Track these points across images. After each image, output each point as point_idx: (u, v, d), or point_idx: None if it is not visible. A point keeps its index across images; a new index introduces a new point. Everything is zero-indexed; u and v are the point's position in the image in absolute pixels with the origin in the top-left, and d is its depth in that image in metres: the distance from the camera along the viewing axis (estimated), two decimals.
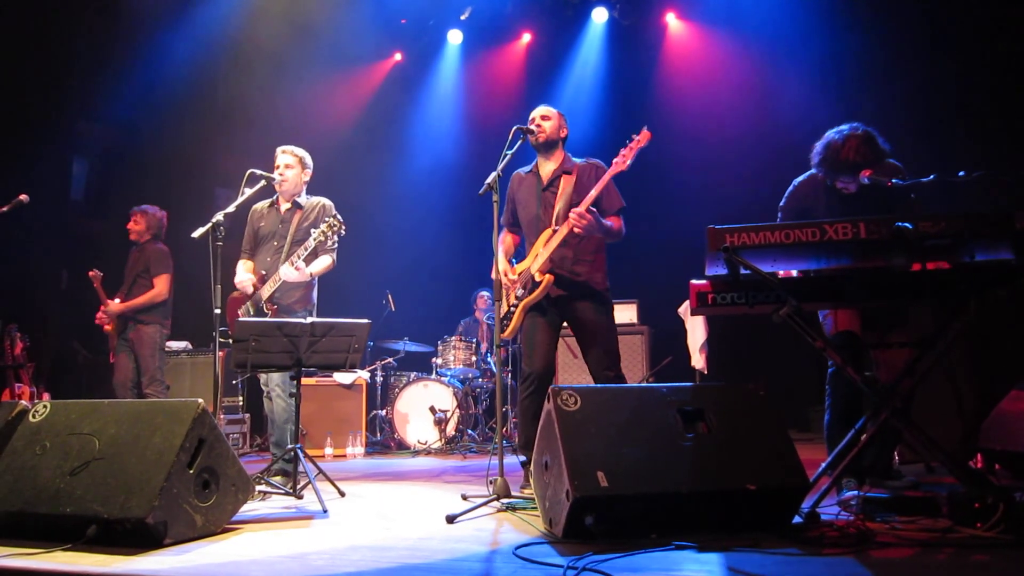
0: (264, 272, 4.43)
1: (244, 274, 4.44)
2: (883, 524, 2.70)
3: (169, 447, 2.75)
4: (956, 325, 2.83)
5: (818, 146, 3.44)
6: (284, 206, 4.54)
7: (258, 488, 3.71)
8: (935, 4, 6.54)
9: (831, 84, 7.01)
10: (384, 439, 7.09)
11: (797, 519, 2.70)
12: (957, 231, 2.59)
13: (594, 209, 3.68)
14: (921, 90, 6.42)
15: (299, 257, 4.21)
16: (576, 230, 3.68)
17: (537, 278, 3.84)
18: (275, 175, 4.41)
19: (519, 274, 3.95)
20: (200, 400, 2.90)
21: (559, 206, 3.86)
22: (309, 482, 3.60)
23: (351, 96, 9.10)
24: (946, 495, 2.72)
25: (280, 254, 4.39)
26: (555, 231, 3.81)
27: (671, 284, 4.74)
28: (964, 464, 3.42)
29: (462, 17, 8.74)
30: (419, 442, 6.66)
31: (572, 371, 6.58)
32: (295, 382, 3.87)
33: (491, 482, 3.47)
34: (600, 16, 8.55)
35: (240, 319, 3.80)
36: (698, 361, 5.99)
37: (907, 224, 2.58)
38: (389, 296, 7.48)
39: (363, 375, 6.83)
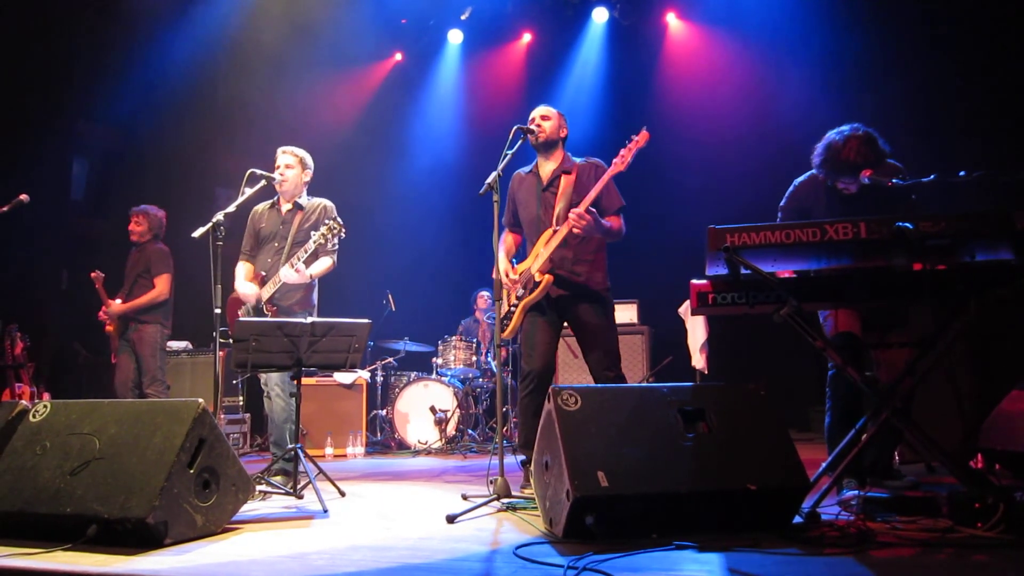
0: (264, 273, 4.43)
1: (244, 283, 4.42)
2: (883, 524, 2.70)
3: (169, 447, 2.75)
4: (956, 325, 2.83)
5: (819, 147, 3.45)
6: (285, 207, 4.53)
7: (258, 488, 3.71)
8: (935, 4, 6.54)
9: (831, 84, 7.01)
10: (384, 439, 7.09)
11: (797, 519, 2.70)
12: (957, 231, 2.59)
13: (593, 210, 3.68)
14: (921, 90, 6.42)
15: (299, 259, 4.21)
16: (575, 230, 3.68)
17: (537, 278, 3.84)
18: (275, 175, 4.41)
19: (520, 274, 3.95)
20: (200, 400, 2.90)
21: (559, 206, 3.86)
22: (309, 482, 3.60)
23: (351, 96, 9.10)
24: (946, 495, 2.72)
25: (281, 255, 4.39)
26: (555, 231, 3.81)
27: (671, 284, 4.74)
28: (964, 464, 3.42)
29: (462, 17, 8.74)
30: (419, 442, 6.66)
31: (572, 371, 6.58)
32: (295, 382, 3.87)
33: (491, 482, 3.47)
34: (600, 16, 8.55)
35: (240, 319, 3.80)
36: (698, 361, 5.99)
37: (907, 224, 2.58)
38: (389, 296, 7.48)
39: (363, 375, 6.83)
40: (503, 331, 4.02)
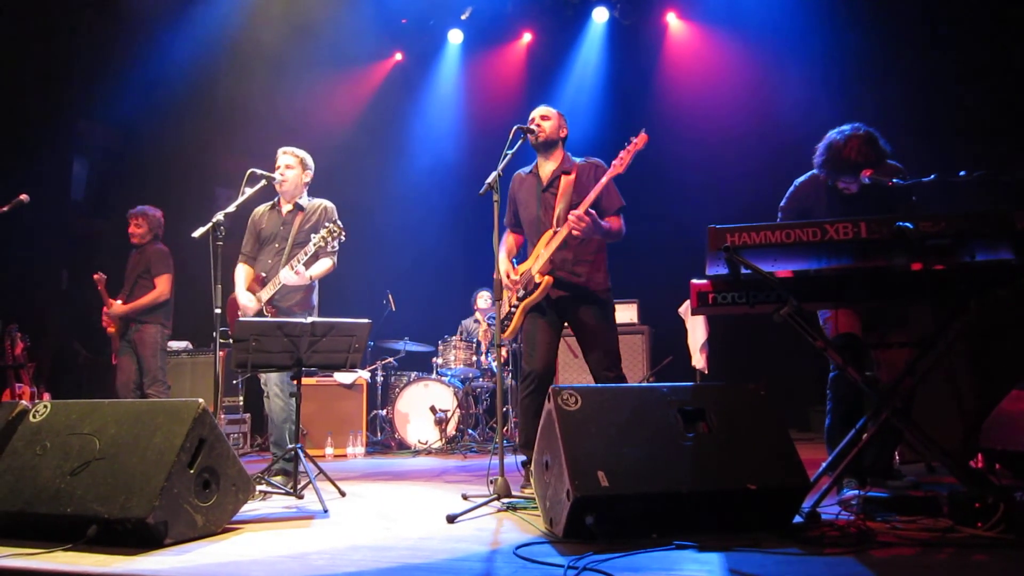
0: (264, 274, 4.43)
1: (245, 295, 4.41)
2: (884, 524, 2.70)
3: (170, 447, 2.75)
4: (956, 325, 2.83)
5: (820, 146, 3.45)
6: (285, 208, 4.53)
7: (259, 488, 3.71)
8: (935, 3, 6.54)
9: (831, 83, 7.01)
10: (385, 439, 7.09)
11: (798, 519, 2.70)
12: (957, 231, 2.59)
13: (592, 211, 3.68)
14: (921, 90, 6.43)
15: (299, 261, 4.21)
16: (575, 232, 3.68)
17: (537, 279, 3.84)
18: (275, 175, 4.41)
19: (520, 275, 3.95)
20: (200, 400, 2.90)
21: (559, 207, 3.86)
22: (309, 482, 3.60)
23: (351, 96, 9.10)
24: (947, 495, 2.72)
25: (281, 256, 4.39)
26: (555, 232, 3.81)
27: (672, 284, 4.75)
28: (965, 464, 3.42)
29: (463, 17, 8.74)
30: (420, 442, 6.66)
31: (572, 371, 6.58)
32: (295, 382, 3.87)
33: (492, 482, 3.47)
34: (601, 16, 8.56)
35: (240, 319, 3.80)
36: (699, 361, 5.99)
37: (908, 224, 2.58)
38: (389, 296, 7.48)
39: (364, 375, 6.83)
40: (504, 332, 4.02)
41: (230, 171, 6.85)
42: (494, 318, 4.02)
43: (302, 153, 4.57)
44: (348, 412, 6.61)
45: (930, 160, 3.67)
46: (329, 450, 6.27)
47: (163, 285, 5.61)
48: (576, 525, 2.54)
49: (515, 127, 3.86)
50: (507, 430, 6.45)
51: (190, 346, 7.08)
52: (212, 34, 7.89)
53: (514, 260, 4.15)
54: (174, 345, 6.65)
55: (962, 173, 2.91)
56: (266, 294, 4.32)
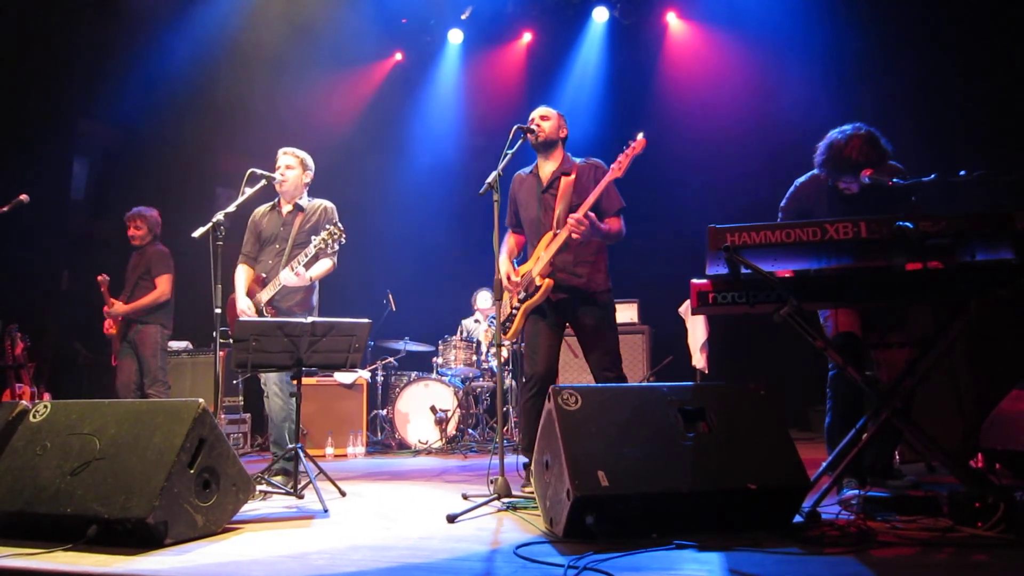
0: (265, 275, 4.43)
1: (244, 299, 4.40)
2: (884, 523, 2.70)
3: (170, 447, 2.75)
4: (956, 325, 2.83)
5: (821, 146, 3.45)
6: (285, 208, 4.53)
7: (259, 488, 3.71)
8: (936, 3, 6.53)
9: (832, 83, 7.01)
10: (385, 439, 7.09)
11: (798, 518, 2.70)
12: (957, 231, 2.59)
13: (592, 215, 3.68)
14: (921, 89, 6.42)
15: (299, 263, 4.21)
16: (574, 236, 3.69)
17: (538, 282, 3.85)
18: (275, 175, 4.41)
19: (521, 276, 3.95)
20: (201, 400, 2.90)
21: (559, 209, 3.86)
22: (310, 482, 3.60)
23: (352, 96, 9.10)
24: (947, 495, 2.72)
25: (281, 257, 4.39)
26: (555, 235, 3.81)
27: (672, 283, 4.74)
28: (965, 464, 3.42)
29: (463, 16, 8.74)
30: (420, 442, 6.66)
31: (573, 371, 6.58)
32: (295, 382, 3.86)
33: (492, 481, 3.48)
34: (601, 16, 8.56)
35: (240, 319, 3.80)
36: (699, 361, 5.99)
37: (908, 224, 2.58)
38: (390, 296, 7.48)
39: (364, 375, 6.83)
40: (505, 333, 4.02)
41: (230, 171, 6.85)
42: (495, 318, 4.02)
43: (302, 153, 4.57)
44: (348, 412, 6.61)
45: (930, 160, 3.66)
46: (329, 450, 6.27)
47: (164, 285, 5.61)
48: (576, 525, 2.54)
49: (515, 127, 3.86)
50: (507, 430, 6.45)
51: (190, 346, 7.08)
52: (212, 34, 7.89)
53: (515, 262, 4.15)
54: (174, 345, 6.65)
55: (962, 173, 2.91)
56: (266, 295, 4.33)
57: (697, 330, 6.03)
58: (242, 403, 6.96)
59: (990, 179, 2.84)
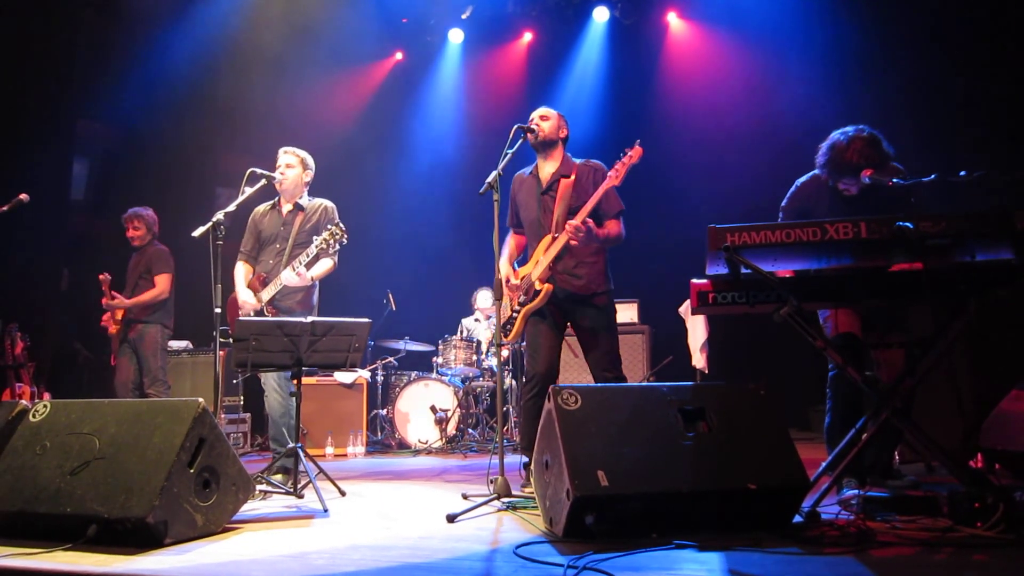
0: (265, 275, 4.44)
1: (245, 292, 4.42)
2: (883, 523, 2.70)
3: (169, 446, 2.75)
4: (956, 325, 2.83)
5: (823, 146, 3.45)
6: (286, 208, 4.53)
7: (259, 487, 3.71)
8: (936, 3, 6.53)
9: (832, 83, 7.01)
10: (385, 438, 7.09)
11: (797, 518, 2.70)
12: (957, 231, 2.59)
13: (590, 221, 3.69)
14: (921, 89, 6.42)
15: (300, 263, 4.21)
16: (572, 242, 3.69)
17: (537, 286, 3.85)
18: (276, 174, 4.41)
19: (521, 279, 3.96)
20: (200, 399, 2.90)
21: (558, 211, 3.86)
22: (310, 481, 3.60)
23: (352, 95, 9.10)
24: (946, 495, 2.72)
25: (282, 257, 4.39)
26: (555, 238, 3.82)
27: (672, 283, 4.74)
28: (964, 464, 3.42)
29: (463, 16, 8.74)
30: (420, 441, 6.66)
31: (573, 371, 6.58)
32: (295, 382, 3.86)
33: (492, 481, 3.48)
34: (601, 15, 8.56)
35: (240, 318, 3.80)
36: (699, 361, 5.99)
37: (908, 224, 2.58)
38: (390, 295, 7.48)
39: (364, 374, 6.83)
40: (506, 336, 4.02)
41: (230, 171, 6.85)
42: (494, 318, 4.03)
43: (303, 153, 4.57)
44: (348, 411, 6.60)
45: (930, 160, 3.67)
46: (329, 449, 6.27)
47: (163, 284, 5.62)
48: (576, 524, 2.54)
49: (515, 126, 3.86)
50: (507, 430, 6.45)
51: (190, 346, 7.08)
52: (212, 34, 7.89)
53: (515, 264, 4.15)
54: (174, 345, 6.65)
55: (962, 173, 2.91)
56: (267, 294, 4.33)
57: (697, 330, 6.03)
58: (242, 403, 6.96)
59: (990, 179, 2.84)
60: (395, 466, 5.58)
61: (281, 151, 4.55)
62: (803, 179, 3.66)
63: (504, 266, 4.04)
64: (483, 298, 7.45)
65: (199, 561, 2.48)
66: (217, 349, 3.93)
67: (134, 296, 5.62)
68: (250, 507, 3.40)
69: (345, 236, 4.20)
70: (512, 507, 3.27)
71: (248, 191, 4.20)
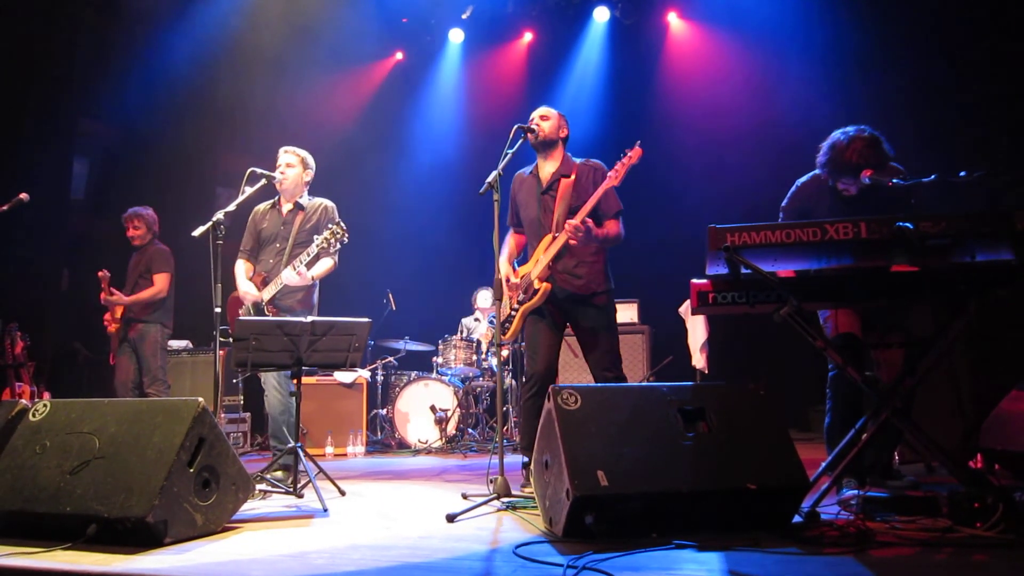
0: (266, 274, 4.44)
1: (246, 283, 4.43)
2: (883, 524, 2.70)
3: (169, 446, 2.75)
4: (956, 325, 2.83)
5: (823, 146, 3.45)
6: (286, 207, 4.53)
7: (258, 487, 3.71)
8: (936, 3, 6.53)
9: (832, 83, 7.01)
10: (385, 438, 7.09)
11: (797, 518, 2.70)
12: (957, 231, 2.59)
13: (589, 221, 3.69)
14: (921, 89, 6.42)
15: (301, 262, 4.21)
16: (571, 242, 3.70)
17: (536, 285, 3.85)
18: (276, 174, 4.41)
19: (520, 278, 3.96)
20: (200, 399, 2.90)
21: (558, 211, 3.86)
22: (309, 481, 3.60)
23: (352, 95, 9.10)
24: (946, 495, 2.72)
25: (282, 256, 4.39)
26: (555, 237, 3.82)
27: (672, 283, 4.74)
28: (964, 464, 3.42)
29: (463, 16, 8.74)
30: (420, 441, 6.67)
31: (573, 370, 6.58)
32: (295, 381, 3.86)
33: (491, 481, 3.48)
34: (602, 15, 8.56)
35: (240, 318, 3.81)
36: (699, 361, 5.99)
37: (908, 224, 2.58)
38: (390, 295, 7.49)
39: (364, 374, 6.83)
40: (504, 334, 4.03)
41: (230, 170, 6.86)
42: (495, 317, 4.03)
43: (303, 152, 4.57)
44: (348, 411, 6.61)
45: (930, 160, 3.67)
46: (329, 449, 6.27)
47: (161, 283, 5.62)
48: (576, 524, 2.54)
49: (515, 126, 3.86)
50: (507, 430, 6.45)
51: (190, 345, 7.08)
52: (212, 34, 7.90)
53: (515, 263, 4.15)
54: (174, 344, 6.66)
55: (962, 173, 2.91)
56: (267, 294, 4.33)
57: (697, 330, 6.03)
58: (242, 402, 6.96)
59: (990, 179, 2.84)
60: (395, 466, 5.58)
61: (281, 150, 4.55)
62: (803, 179, 3.66)
63: (504, 265, 4.04)
64: (483, 298, 7.45)
65: (199, 561, 2.47)
66: (217, 349, 3.93)
67: (133, 295, 5.63)
68: (250, 507, 3.40)
69: (346, 235, 4.20)
70: (512, 507, 3.27)
71: (248, 191, 4.20)
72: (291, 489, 3.73)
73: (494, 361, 6.90)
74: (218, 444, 2.93)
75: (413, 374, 7.15)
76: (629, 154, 3.70)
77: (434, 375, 7.01)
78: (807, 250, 2.70)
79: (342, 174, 7.31)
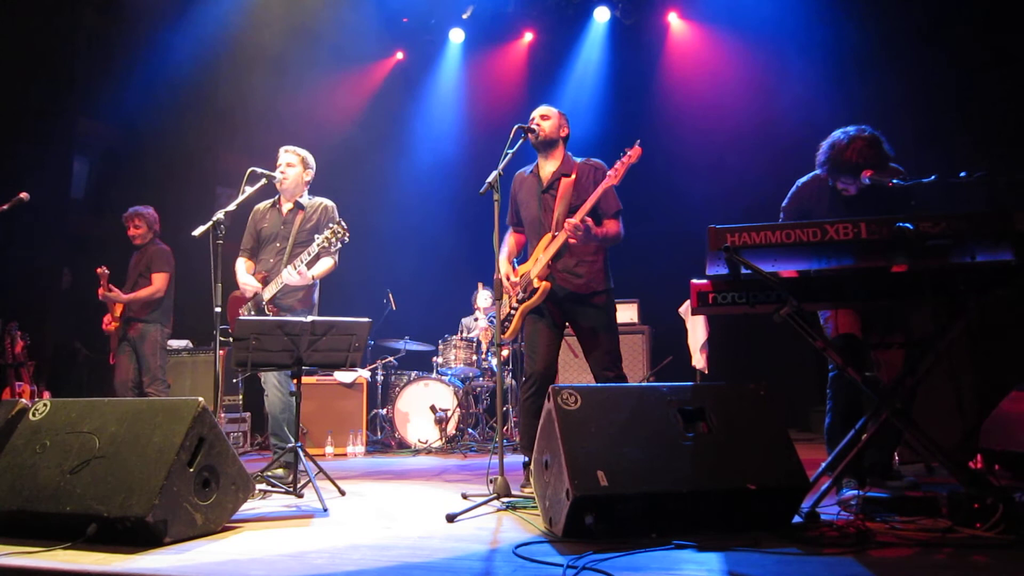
0: (266, 273, 4.44)
1: (246, 275, 4.44)
2: (883, 524, 2.70)
3: (169, 446, 2.75)
4: (956, 325, 2.83)
5: (824, 145, 3.45)
6: (286, 206, 4.54)
7: (258, 487, 3.72)
8: (936, 2, 6.53)
9: (832, 83, 7.01)
10: (385, 438, 7.09)
11: (797, 519, 2.70)
12: (957, 231, 2.59)
13: (589, 220, 3.69)
14: (921, 89, 6.42)
15: (302, 262, 4.21)
16: (571, 240, 3.70)
17: (535, 284, 3.85)
18: (276, 173, 4.41)
19: (520, 276, 3.96)
20: (200, 399, 2.90)
21: (558, 210, 3.86)
22: (309, 481, 3.60)
23: (353, 95, 9.11)
24: (946, 495, 2.72)
25: (282, 256, 4.39)
26: (554, 236, 3.82)
27: (672, 283, 4.75)
28: (964, 464, 3.41)
29: (464, 16, 8.75)
30: (420, 441, 6.67)
31: (573, 370, 6.59)
32: (295, 381, 3.86)
33: (491, 481, 3.48)
34: (602, 15, 8.57)
35: (240, 318, 3.81)
36: (699, 361, 5.99)
37: (908, 224, 2.58)
38: (390, 295, 7.49)
39: (364, 374, 6.83)
40: (503, 333, 4.03)
41: (231, 170, 6.86)
42: (495, 316, 4.03)
43: (303, 152, 4.57)
44: (348, 411, 6.61)
45: (930, 160, 3.67)
46: (329, 449, 6.27)
47: (159, 282, 5.62)
48: (576, 524, 2.54)
49: (516, 126, 3.86)
50: (507, 429, 6.45)
51: (190, 345, 7.08)
52: (213, 34, 7.90)
53: (515, 261, 4.15)
54: (174, 344, 6.66)
55: (962, 173, 2.91)
56: (268, 293, 4.33)
57: (697, 330, 6.04)
58: (242, 402, 6.96)
59: (990, 179, 2.84)
60: (395, 466, 5.58)
61: (282, 150, 4.55)
62: (804, 179, 3.66)
63: (503, 264, 4.04)
64: (484, 297, 7.45)
65: (199, 560, 2.48)
66: (217, 348, 3.93)
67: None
68: (250, 506, 3.40)
69: (347, 234, 4.20)
70: (512, 507, 3.27)
71: (248, 190, 4.21)
72: (291, 489, 3.74)
73: (494, 361, 6.90)
74: (218, 444, 2.93)
75: (413, 374, 7.15)
76: (629, 153, 3.70)
77: (434, 375, 7.02)
78: (807, 250, 2.70)
79: (342, 174, 7.31)
